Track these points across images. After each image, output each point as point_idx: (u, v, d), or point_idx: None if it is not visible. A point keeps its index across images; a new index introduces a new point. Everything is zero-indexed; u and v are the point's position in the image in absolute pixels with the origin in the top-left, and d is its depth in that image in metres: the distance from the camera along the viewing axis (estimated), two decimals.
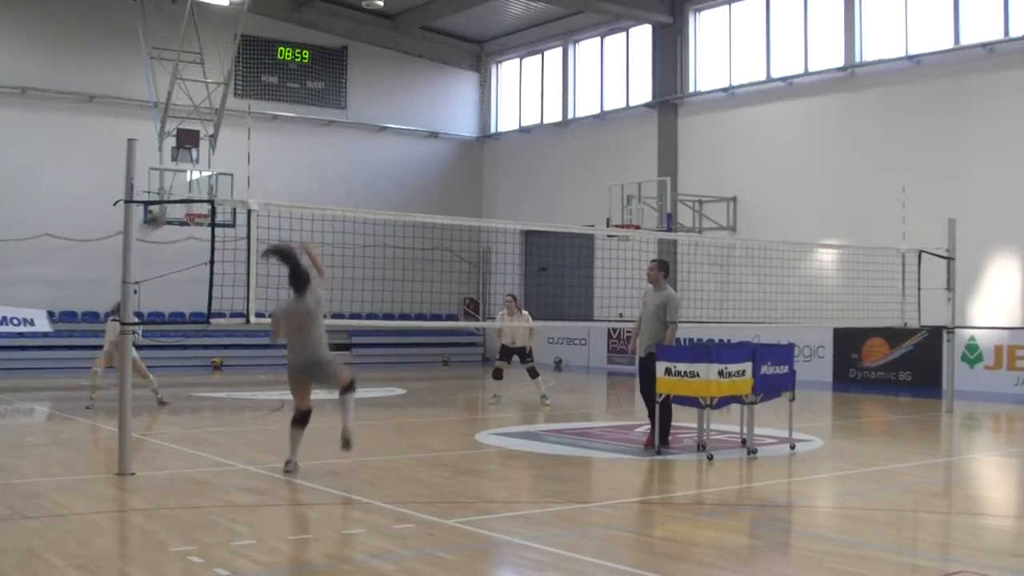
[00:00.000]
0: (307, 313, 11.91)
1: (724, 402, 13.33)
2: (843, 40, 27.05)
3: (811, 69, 27.91)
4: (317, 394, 12.47)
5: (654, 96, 31.54)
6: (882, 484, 11.93)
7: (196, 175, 26.78)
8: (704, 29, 30.90)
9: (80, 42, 30.51)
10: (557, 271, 30.87)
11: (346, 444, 11.90)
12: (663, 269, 14.42)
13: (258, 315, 12.29)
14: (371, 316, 26.59)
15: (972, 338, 23.76)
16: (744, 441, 13.85)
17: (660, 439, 13.75)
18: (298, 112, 34.07)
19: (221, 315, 13.24)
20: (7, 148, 29.48)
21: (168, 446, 14.65)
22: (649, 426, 14.14)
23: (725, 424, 15.16)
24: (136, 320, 12.94)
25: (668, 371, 13.20)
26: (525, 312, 21.17)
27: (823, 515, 10.50)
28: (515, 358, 20.95)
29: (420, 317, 32.43)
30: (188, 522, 9.40)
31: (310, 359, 12.03)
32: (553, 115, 35.61)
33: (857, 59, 26.82)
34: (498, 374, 20.88)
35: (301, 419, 12.05)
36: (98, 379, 18.74)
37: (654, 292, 14.31)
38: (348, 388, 12.13)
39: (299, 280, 11.92)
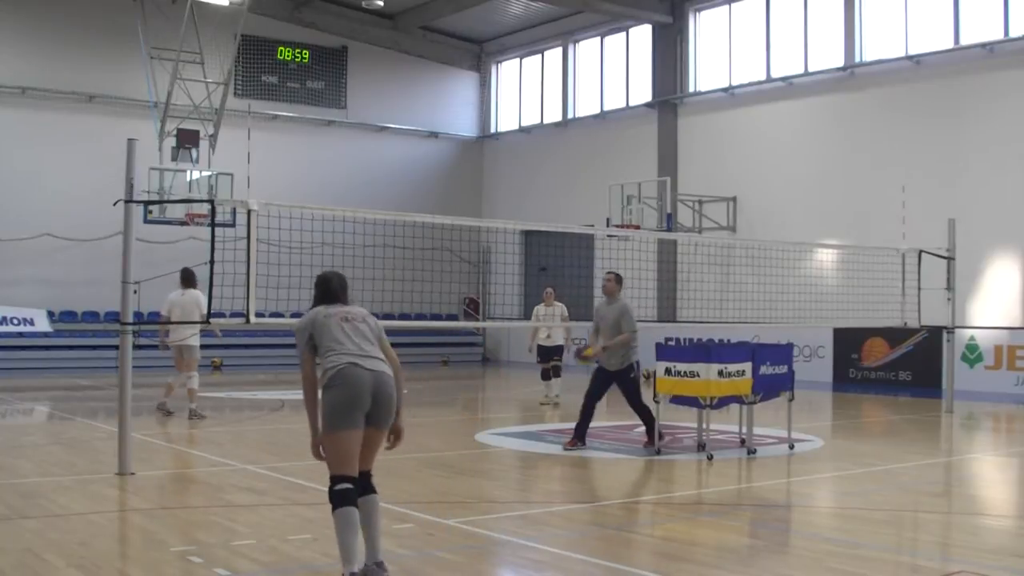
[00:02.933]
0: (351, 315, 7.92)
1: (724, 402, 13.32)
2: (843, 40, 27.06)
3: (811, 69, 27.92)
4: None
5: (654, 96, 31.55)
6: (882, 484, 11.93)
7: (196, 175, 26.75)
8: (704, 29, 30.90)
9: (80, 42, 30.52)
10: (557, 271, 30.87)
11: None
12: (620, 282, 14.41)
13: (258, 315, 12.28)
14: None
15: (972, 338, 23.75)
16: (743, 441, 13.86)
17: (650, 438, 13.86)
18: (298, 112, 34.07)
19: (221, 315, 13.25)
20: (7, 148, 29.49)
21: (168, 446, 14.65)
22: (645, 427, 14.19)
23: (725, 424, 15.16)
24: (135, 320, 12.94)
25: (668, 371, 13.20)
26: (561, 304, 21.04)
27: (823, 515, 10.50)
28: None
29: (420, 317, 32.44)
30: (188, 522, 9.41)
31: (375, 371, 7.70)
32: (553, 115, 35.62)
33: (857, 59, 26.82)
34: (546, 375, 20.78)
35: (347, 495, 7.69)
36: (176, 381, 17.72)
37: (609, 305, 14.24)
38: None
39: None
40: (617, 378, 14.00)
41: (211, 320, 12.93)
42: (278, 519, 9.61)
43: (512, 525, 9.38)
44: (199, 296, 16.99)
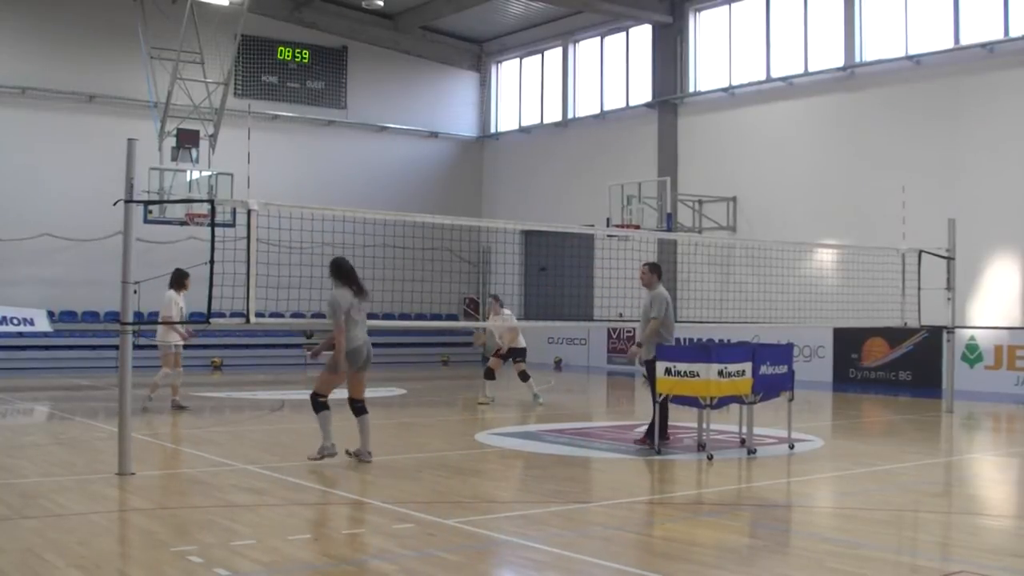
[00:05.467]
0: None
1: (724, 402, 13.32)
2: (843, 40, 27.06)
3: (811, 69, 27.92)
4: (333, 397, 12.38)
5: (654, 96, 31.55)
6: (882, 484, 11.93)
7: (196, 175, 26.76)
8: (704, 29, 30.90)
9: (80, 42, 30.52)
10: (557, 271, 30.90)
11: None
12: (655, 271, 14.44)
13: (258, 315, 12.29)
14: (371, 316, 26.33)
15: (972, 338, 23.75)
16: (743, 441, 13.87)
17: (659, 437, 13.82)
18: (298, 112, 34.07)
19: (221, 315, 13.25)
20: (7, 148, 29.49)
21: (168, 446, 14.66)
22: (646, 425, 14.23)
23: (725, 424, 15.16)
24: (135, 320, 12.97)
25: (668, 371, 13.20)
26: (506, 311, 20.98)
27: (823, 515, 10.50)
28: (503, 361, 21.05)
29: (420, 317, 32.43)
30: (188, 522, 9.41)
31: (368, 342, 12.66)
32: (553, 115, 35.62)
33: (857, 59, 26.83)
34: (490, 374, 20.85)
35: (325, 405, 12.53)
36: (174, 379, 18.40)
37: (648, 294, 14.38)
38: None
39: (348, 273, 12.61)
40: (649, 368, 14.01)
41: (210, 320, 12.92)
42: (278, 519, 9.62)
43: (512, 525, 9.39)
44: (166, 295, 17.97)
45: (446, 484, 11.53)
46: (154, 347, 18.91)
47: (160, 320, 18.25)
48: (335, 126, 34.81)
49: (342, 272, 12.51)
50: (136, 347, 12.83)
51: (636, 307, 15.05)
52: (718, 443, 14.01)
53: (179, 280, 18.15)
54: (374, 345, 12.72)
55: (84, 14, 30.49)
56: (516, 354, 20.64)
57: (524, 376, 20.53)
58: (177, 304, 17.86)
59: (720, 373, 12.94)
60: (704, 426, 13.67)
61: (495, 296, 21.21)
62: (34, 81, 29.94)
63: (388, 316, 27.85)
